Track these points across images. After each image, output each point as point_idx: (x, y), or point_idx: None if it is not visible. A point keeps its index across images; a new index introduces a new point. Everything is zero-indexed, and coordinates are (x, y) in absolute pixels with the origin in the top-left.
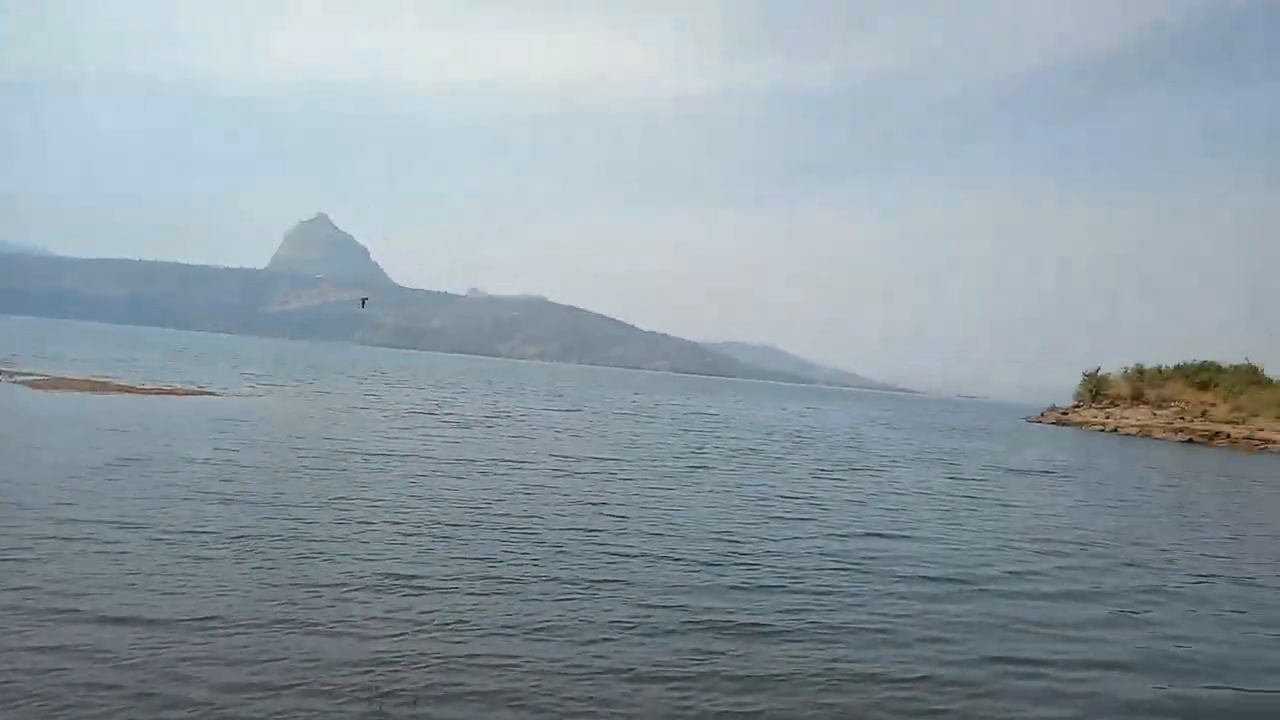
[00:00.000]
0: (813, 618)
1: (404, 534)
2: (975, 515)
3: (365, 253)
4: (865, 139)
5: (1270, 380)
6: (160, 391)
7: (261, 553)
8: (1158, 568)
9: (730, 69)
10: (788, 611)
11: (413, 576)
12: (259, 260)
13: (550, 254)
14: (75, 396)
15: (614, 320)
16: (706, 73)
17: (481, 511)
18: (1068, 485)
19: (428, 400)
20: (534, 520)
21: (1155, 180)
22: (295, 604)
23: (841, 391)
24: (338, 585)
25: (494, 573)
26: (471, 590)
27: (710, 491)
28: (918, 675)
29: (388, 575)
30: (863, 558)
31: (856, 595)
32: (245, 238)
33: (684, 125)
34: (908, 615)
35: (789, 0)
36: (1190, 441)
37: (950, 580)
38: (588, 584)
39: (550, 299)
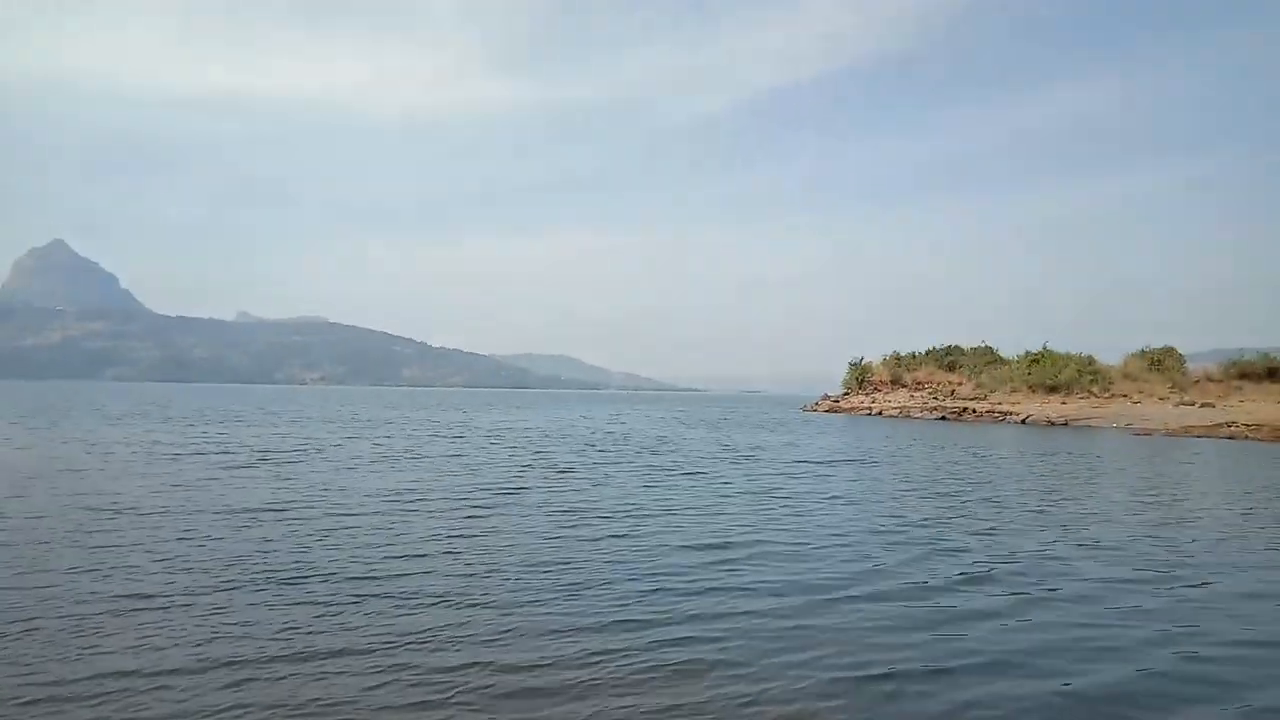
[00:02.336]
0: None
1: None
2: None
3: (113, 280)
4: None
5: (1004, 358)
6: None
7: None
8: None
9: (499, 84)
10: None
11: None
12: None
13: (326, 273)
14: None
15: (402, 338)
16: (476, 89)
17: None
18: (876, 471)
19: (198, 439)
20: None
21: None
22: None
23: (636, 395)
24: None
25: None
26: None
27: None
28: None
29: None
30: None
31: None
32: None
33: (467, 136)
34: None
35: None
36: (943, 418)
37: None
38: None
39: (330, 320)
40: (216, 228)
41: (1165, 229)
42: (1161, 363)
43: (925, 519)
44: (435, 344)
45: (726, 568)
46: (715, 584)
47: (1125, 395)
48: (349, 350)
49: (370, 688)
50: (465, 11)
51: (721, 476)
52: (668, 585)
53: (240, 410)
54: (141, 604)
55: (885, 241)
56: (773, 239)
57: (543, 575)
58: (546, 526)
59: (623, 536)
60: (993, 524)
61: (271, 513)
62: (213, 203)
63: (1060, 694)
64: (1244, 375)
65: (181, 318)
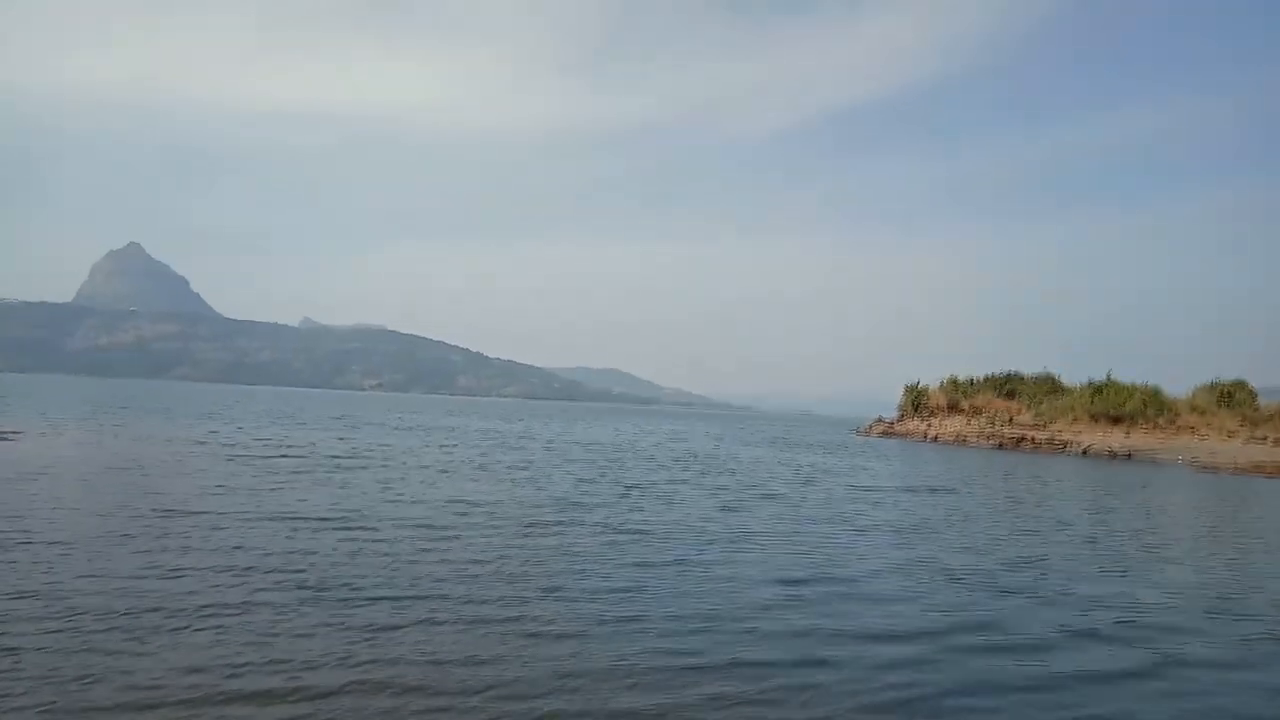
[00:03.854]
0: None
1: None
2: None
3: (185, 283)
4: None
5: (1065, 387)
6: None
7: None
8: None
9: (560, 99)
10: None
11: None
12: (62, 294)
13: (387, 284)
14: None
15: (459, 348)
16: (535, 103)
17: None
18: (960, 501)
19: (273, 440)
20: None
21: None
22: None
23: (689, 411)
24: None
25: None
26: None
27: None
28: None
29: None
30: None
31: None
32: (45, 269)
33: (520, 154)
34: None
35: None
36: (1000, 446)
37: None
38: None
39: (389, 328)
40: (285, 236)
41: (1247, 254)
42: (1232, 396)
43: (1021, 558)
44: (490, 354)
45: (817, 606)
46: (805, 624)
47: (1192, 429)
48: (406, 358)
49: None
50: (532, 11)
51: (794, 500)
52: (762, 627)
53: (344, 414)
54: (220, 611)
55: (937, 261)
56: (814, 253)
57: (610, 601)
58: (624, 549)
59: (710, 564)
60: (1094, 566)
61: (356, 524)
62: (282, 211)
63: None
64: None
65: (248, 321)
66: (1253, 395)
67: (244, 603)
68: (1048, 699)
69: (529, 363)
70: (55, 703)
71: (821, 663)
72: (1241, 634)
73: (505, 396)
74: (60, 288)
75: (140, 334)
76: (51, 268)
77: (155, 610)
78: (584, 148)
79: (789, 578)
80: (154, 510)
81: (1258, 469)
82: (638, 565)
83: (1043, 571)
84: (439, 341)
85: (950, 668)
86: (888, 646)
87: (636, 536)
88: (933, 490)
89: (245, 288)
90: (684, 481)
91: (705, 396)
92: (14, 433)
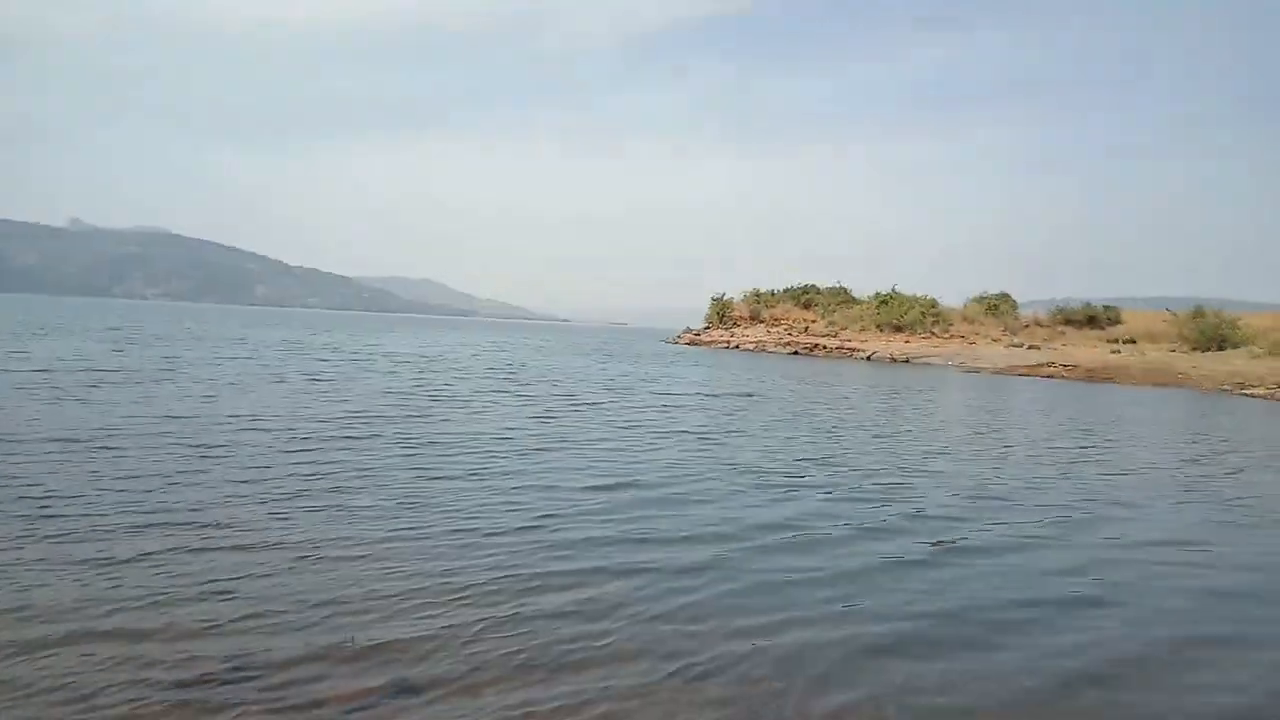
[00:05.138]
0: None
1: None
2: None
3: None
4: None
5: (858, 299)
6: None
7: None
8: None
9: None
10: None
11: None
12: None
13: (172, 182)
14: None
15: (256, 255)
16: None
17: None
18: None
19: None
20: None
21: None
22: None
23: (506, 324)
24: None
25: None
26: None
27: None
28: None
29: None
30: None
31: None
32: None
33: (329, 50)
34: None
35: None
36: (795, 354)
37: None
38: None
39: (175, 232)
40: (51, 124)
41: (1019, 185)
42: (997, 308)
43: (815, 458)
44: (292, 263)
45: (618, 513)
46: (603, 533)
47: (963, 337)
48: (195, 264)
49: None
50: None
51: (606, 409)
52: (559, 537)
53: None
54: None
55: (767, 178)
56: (661, 163)
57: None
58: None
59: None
60: (880, 461)
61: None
62: (51, 97)
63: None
64: (1068, 322)
65: (5, 221)
66: (1014, 306)
67: None
68: (840, 592)
69: (336, 271)
70: None
71: (622, 572)
72: (1009, 521)
73: (309, 308)
74: None
75: None
76: None
77: None
78: (395, 47)
79: (591, 485)
80: None
81: (1012, 369)
82: (433, 479)
83: (834, 470)
84: (232, 248)
85: (746, 567)
86: (684, 550)
87: (436, 448)
88: (735, 396)
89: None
90: (500, 391)
91: (524, 308)
92: None
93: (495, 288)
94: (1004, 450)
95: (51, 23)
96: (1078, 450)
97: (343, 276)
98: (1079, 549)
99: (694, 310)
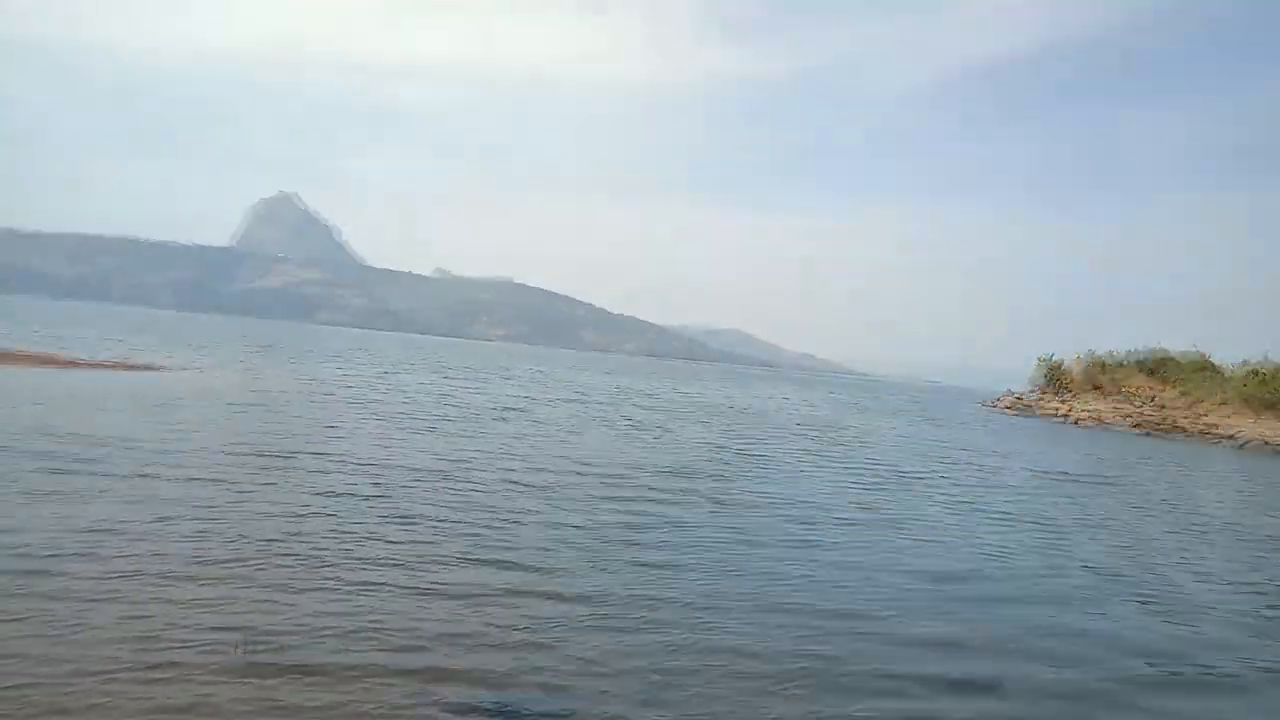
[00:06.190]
0: None
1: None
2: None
3: (330, 231)
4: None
5: (1217, 368)
6: (107, 366)
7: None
8: None
9: (701, 57)
10: None
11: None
12: (219, 238)
13: (520, 237)
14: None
15: (584, 303)
16: (676, 59)
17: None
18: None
19: (402, 383)
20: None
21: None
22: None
23: (813, 377)
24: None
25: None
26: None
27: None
28: None
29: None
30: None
31: None
32: (203, 214)
33: (656, 113)
34: None
35: None
36: (1147, 434)
37: None
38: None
39: (518, 281)
40: (424, 188)
41: None
42: None
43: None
44: (614, 310)
45: (964, 608)
46: (949, 631)
47: None
48: (533, 311)
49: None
50: None
51: (941, 487)
52: (902, 631)
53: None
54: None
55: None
56: (958, 222)
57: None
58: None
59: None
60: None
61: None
62: (422, 164)
63: None
64: None
65: (388, 270)
66: None
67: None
68: None
69: (652, 320)
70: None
71: (976, 685)
72: None
73: (628, 353)
74: (214, 233)
75: (288, 279)
76: (208, 216)
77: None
78: (727, 105)
79: (933, 570)
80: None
81: None
82: (753, 544)
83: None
84: (566, 296)
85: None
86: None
87: (756, 510)
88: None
89: (385, 238)
90: (814, 453)
91: (830, 361)
92: (157, 367)
93: (800, 339)
94: None
95: (427, 99)
96: None
97: (660, 325)
98: None
99: (1002, 371)
